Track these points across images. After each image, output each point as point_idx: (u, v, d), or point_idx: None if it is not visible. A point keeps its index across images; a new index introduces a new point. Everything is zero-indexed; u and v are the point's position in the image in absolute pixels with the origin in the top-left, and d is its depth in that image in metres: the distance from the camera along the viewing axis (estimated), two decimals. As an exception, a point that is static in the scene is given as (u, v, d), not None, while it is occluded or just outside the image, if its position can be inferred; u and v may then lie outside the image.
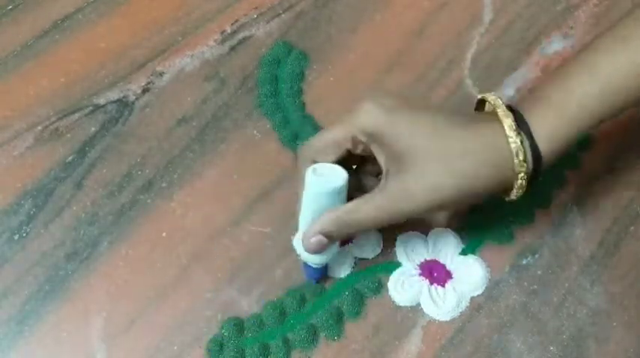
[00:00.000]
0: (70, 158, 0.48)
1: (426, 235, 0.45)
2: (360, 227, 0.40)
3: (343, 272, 0.44)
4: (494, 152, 0.38)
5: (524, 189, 0.39)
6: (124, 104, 0.51)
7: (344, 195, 0.40)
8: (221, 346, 0.41)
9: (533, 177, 0.39)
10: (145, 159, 0.48)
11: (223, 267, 0.44)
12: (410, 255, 0.44)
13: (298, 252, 0.42)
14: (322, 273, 0.44)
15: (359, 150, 0.40)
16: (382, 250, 0.45)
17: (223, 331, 0.42)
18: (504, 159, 0.38)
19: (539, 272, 0.44)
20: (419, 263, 0.44)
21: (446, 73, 0.52)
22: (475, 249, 0.45)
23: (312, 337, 0.42)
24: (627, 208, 0.46)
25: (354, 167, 0.43)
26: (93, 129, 0.50)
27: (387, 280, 0.44)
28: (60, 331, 0.42)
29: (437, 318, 0.42)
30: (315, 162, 0.40)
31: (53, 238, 0.45)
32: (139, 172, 0.48)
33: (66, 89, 0.51)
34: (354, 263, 0.44)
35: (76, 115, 0.50)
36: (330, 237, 0.40)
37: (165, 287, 0.44)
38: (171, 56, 0.53)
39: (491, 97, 0.40)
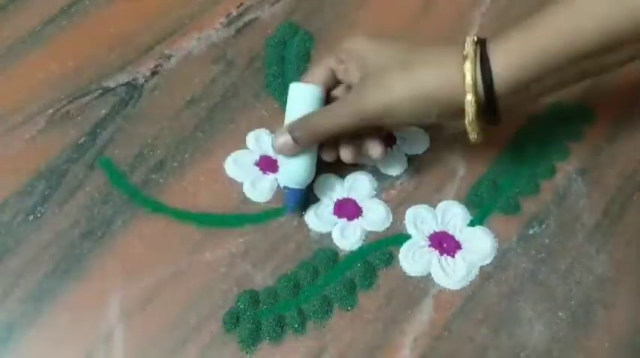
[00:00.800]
0: (81, 140, 0.49)
1: (434, 208, 0.46)
2: (322, 128, 0.43)
3: (355, 245, 0.45)
4: (451, 69, 0.39)
5: (474, 119, 0.40)
6: (133, 87, 0.51)
7: (321, 105, 0.44)
8: (237, 318, 0.42)
9: (486, 109, 0.40)
10: (156, 139, 0.49)
11: (236, 243, 0.45)
12: (419, 227, 0.45)
13: (279, 179, 0.45)
14: (299, 199, 0.45)
15: (341, 72, 0.45)
16: (392, 223, 0.46)
17: (239, 304, 0.43)
18: (458, 78, 0.39)
19: (546, 241, 0.45)
20: (428, 234, 0.45)
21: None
22: (483, 220, 0.46)
23: (326, 308, 0.43)
24: (630, 178, 0.47)
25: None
26: (103, 111, 0.50)
27: (398, 252, 0.45)
28: (77, 309, 0.43)
29: (447, 287, 0.43)
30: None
31: (68, 218, 0.46)
32: (151, 153, 0.49)
33: (76, 73, 0.52)
34: (365, 236, 0.45)
35: (87, 98, 0.51)
36: (297, 140, 0.43)
37: (179, 264, 0.44)
38: (178, 39, 0.54)
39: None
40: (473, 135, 0.41)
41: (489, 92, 0.39)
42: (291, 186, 0.44)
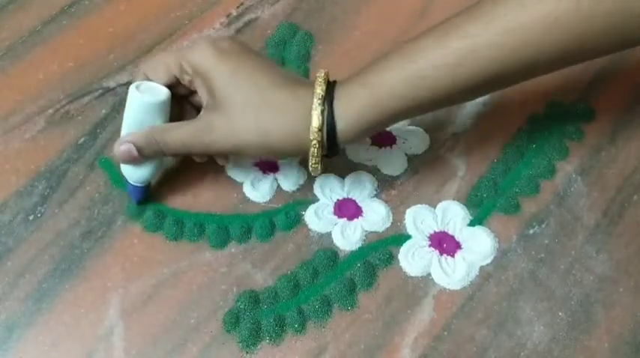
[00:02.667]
0: (81, 140, 0.49)
1: (434, 208, 0.46)
2: (167, 147, 0.42)
3: (355, 245, 0.45)
4: (299, 115, 0.40)
5: (318, 159, 0.41)
6: (133, 87, 0.51)
7: (164, 114, 0.43)
8: (237, 318, 0.42)
9: (331, 149, 0.41)
10: (156, 139, 0.49)
11: (236, 243, 0.45)
12: (419, 227, 0.45)
13: (123, 173, 0.45)
14: (142, 194, 0.46)
15: (186, 81, 0.43)
16: (392, 223, 0.46)
17: (239, 304, 0.43)
18: (305, 126, 0.40)
19: (546, 241, 0.45)
20: (428, 234, 0.45)
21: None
22: (483, 220, 0.46)
23: (326, 308, 0.43)
24: (630, 178, 0.47)
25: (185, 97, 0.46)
26: (103, 111, 0.50)
27: (398, 252, 0.45)
28: (77, 308, 0.43)
29: (447, 287, 0.43)
30: (147, 79, 0.43)
31: (68, 218, 0.46)
32: (151, 153, 0.49)
33: (75, 73, 0.52)
34: (365, 236, 0.45)
35: (86, 98, 0.51)
36: (140, 151, 0.42)
37: (179, 263, 0.44)
38: (178, 39, 0.54)
39: (320, 70, 0.42)
40: (315, 171, 0.43)
41: (333, 140, 0.41)
42: (134, 183, 0.45)
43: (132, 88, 0.42)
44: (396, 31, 0.54)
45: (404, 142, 0.49)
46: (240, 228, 0.45)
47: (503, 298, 0.43)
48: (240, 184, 0.47)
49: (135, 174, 0.44)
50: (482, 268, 0.44)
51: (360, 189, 0.47)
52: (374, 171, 0.48)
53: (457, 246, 0.45)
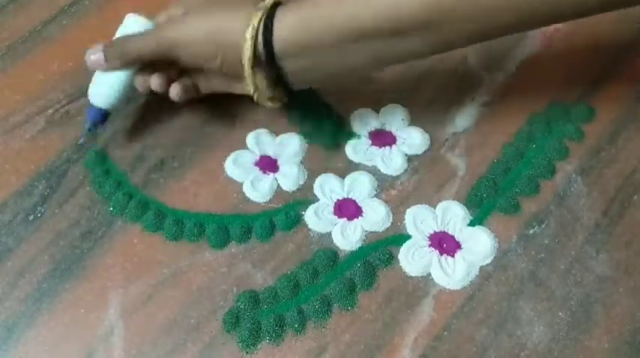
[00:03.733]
0: (81, 140, 0.49)
1: (434, 208, 0.46)
2: (127, 49, 0.45)
3: (355, 245, 0.45)
4: (239, 19, 0.42)
5: (252, 73, 0.43)
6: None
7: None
8: (237, 318, 0.42)
9: (268, 68, 0.43)
10: (156, 139, 0.49)
11: (236, 243, 0.45)
12: (419, 227, 0.45)
13: (89, 96, 0.47)
14: (98, 118, 0.47)
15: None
16: (392, 223, 0.46)
17: (239, 304, 0.43)
18: (242, 28, 0.42)
19: (545, 241, 0.45)
20: (428, 234, 0.45)
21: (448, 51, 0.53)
22: (483, 220, 0.46)
23: (325, 308, 0.43)
24: (630, 178, 0.47)
25: None
26: (103, 111, 0.50)
27: (398, 252, 0.45)
28: (77, 308, 0.43)
29: (447, 287, 0.43)
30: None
31: (68, 218, 0.46)
32: (151, 152, 0.49)
33: (75, 73, 0.52)
34: (365, 236, 0.45)
35: (87, 98, 0.51)
36: (106, 57, 0.45)
37: (179, 263, 0.44)
38: (178, 39, 0.53)
39: None
40: (255, 95, 0.44)
41: (269, 48, 0.42)
42: (97, 104, 0.46)
43: (129, 15, 0.47)
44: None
45: (404, 142, 0.49)
46: (240, 228, 0.45)
47: (503, 298, 0.43)
48: (240, 184, 0.47)
49: (98, 95, 0.46)
50: (482, 268, 0.44)
51: (360, 189, 0.47)
52: (374, 171, 0.48)
53: (457, 246, 0.45)
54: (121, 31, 0.47)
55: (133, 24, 0.47)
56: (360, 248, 0.45)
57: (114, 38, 0.46)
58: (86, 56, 0.45)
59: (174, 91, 0.46)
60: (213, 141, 0.49)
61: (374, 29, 0.40)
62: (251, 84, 0.44)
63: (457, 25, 0.40)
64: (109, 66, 0.45)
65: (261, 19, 0.41)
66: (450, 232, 0.45)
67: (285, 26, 0.42)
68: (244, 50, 0.42)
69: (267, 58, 0.42)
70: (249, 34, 0.41)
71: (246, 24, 0.42)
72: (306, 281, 0.44)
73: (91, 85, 0.46)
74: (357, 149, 0.49)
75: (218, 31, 0.43)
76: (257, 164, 0.48)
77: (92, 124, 0.47)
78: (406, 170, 0.48)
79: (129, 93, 0.47)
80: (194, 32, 0.43)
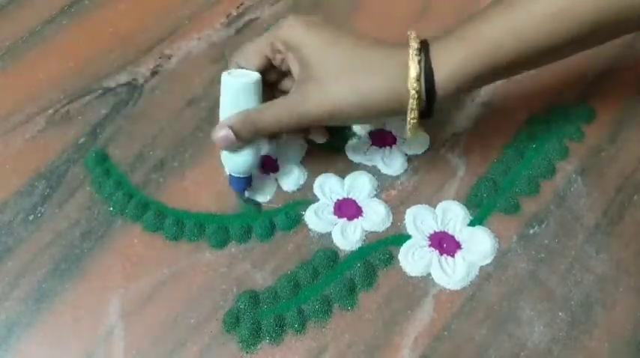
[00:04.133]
0: (81, 140, 0.49)
1: (434, 208, 0.46)
2: (263, 125, 0.42)
3: (355, 245, 0.45)
4: (395, 72, 0.40)
5: (416, 114, 0.40)
6: (133, 87, 0.51)
7: (257, 96, 0.43)
8: (237, 318, 0.42)
9: (429, 105, 0.40)
10: (156, 139, 0.49)
11: (236, 243, 0.45)
12: (419, 227, 0.45)
13: (224, 165, 0.45)
14: (245, 184, 0.46)
15: (277, 61, 0.44)
16: (392, 223, 0.46)
17: (239, 304, 0.43)
18: (402, 79, 0.39)
19: (545, 241, 0.45)
20: (428, 234, 0.45)
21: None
22: (483, 220, 0.46)
23: (326, 308, 0.43)
24: (630, 178, 0.47)
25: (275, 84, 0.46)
26: (103, 111, 0.50)
27: (398, 252, 0.45)
28: (77, 308, 0.43)
29: (447, 287, 0.43)
30: (240, 67, 0.44)
31: (68, 218, 0.46)
32: (151, 152, 0.49)
33: (76, 73, 0.52)
34: (365, 236, 0.45)
35: (87, 98, 0.51)
36: (238, 135, 0.42)
37: (179, 263, 0.44)
38: (178, 39, 0.54)
39: (411, 30, 0.41)
40: (413, 131, 0.42)
41: (431, 99, 0.40)
42: (236, 174, 0.45)
43: (224, 75, 0.43)
44: (396, 31, 0.54)
45: (404, 142, 0.49)
46: (240, 228, 0.45)
47: (503, 298, 0.43)
48: (240, 184, 0.47)
49: (235, 165, 0.44)
50: (482, 268, 0.44)
51: (360, 189, 0.47)
52: (374, 171, 0.48)
53: (457, 246, 0.45)
54: (229, 94, 0.43)
55: (239, 86, 0.43)
56: (360, 248, 0.45)
57: (240, 113, 0.43)
58: (214, 135, 0.43)
59: (319, 139, 0.47)
60: (213, 141, 0.49)
61: (532, 55, 0.40)
62: (413, 127, 0.41)
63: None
64: (242, 143, 0.43)
65: (420, 71, 0.39)
66: (450, 232, 0.45)
67: (446, 81, 0.39)
68: (409, 106, 0.40)
69: (427, 102, 0.40)
70: (411, 89, 0.39)
71: (400, 88, 0.39)
72: (306, 281, 0.44)
73: (223, 158, 0.45)
74: (357, 149, 0.49)
75: (372, 102, 0.40)
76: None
77: (242, 192, 0.46)
78: (406, 170, 0.48)
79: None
80: (344, 107, 0.40)
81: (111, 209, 0.46)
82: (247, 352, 0.41)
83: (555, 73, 0.52)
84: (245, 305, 0.43)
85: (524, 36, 0.39)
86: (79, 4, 0.55)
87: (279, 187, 0.47)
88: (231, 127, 0.42)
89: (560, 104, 0.51)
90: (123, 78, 0.52)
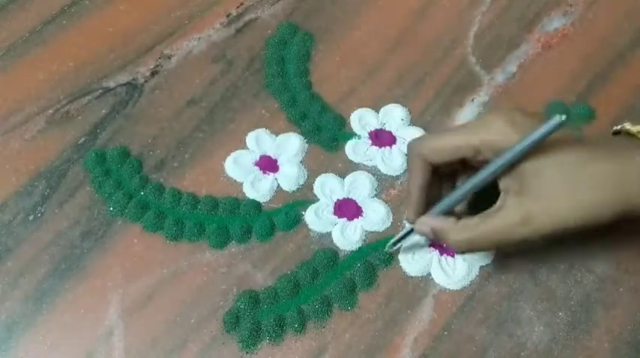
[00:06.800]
0: (81, 140, 0.49)
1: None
2: (471, 244, 0.38)
3: (355, 245, 0.45)
4: (625, 182, 0.36)
5: None
6: (133, 87, 0.51)
7: None
8: (237, 318, 0.42)
9: None
10: (156, 139, 0.49)
11: (236, 243, 0.45)
12: (419, 227, 0.45)
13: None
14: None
15: (475, 162, 0.39)
16: (392, 223, 0.46)
17: (239, 304, 0.43)
18: (634, 183, 0.36)
19: (546, 241, 0.45)
20: (428, 234, 0.45)
21: (449, 51, 0.53)
22: (483, 220, 0.46)
23: (326, 308, 0.43)
24: (630, 178, 0.47)
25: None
26: (103, 111, 0.50)
27: (398, 252, 0.45)
28: (77, 308, 0.43)
29: (447, 287, 0.43)
30: (425, 159, 0.39)
31: (68, 218, 0.46)
32: (150, 153, 0.49)
33: (75, 73, 0.52)
34: (365, 236, 0.45)
35: (87, 98, 0.51)
36: (442, 240, 0.40)
37: (179, 263, 0.44)
38: (178, 39, 0.54)
39: (628, 127, 0.39)
40: None
41: None
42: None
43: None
44: (396, 31, 0.54)
45: (404, 142, 0.49)
46: (240, 228, 0.45)
47: (504, 298, 0.43)
48: (240, 184, 0.47)
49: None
50: (482, 268, 0.44)
51: (360, 189, 0.47)
52: (374, 171, 0.48)
53: (457, 246, 0.45)
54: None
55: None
56: (360, 248, 0.45)
57: (448, 222, 0.39)
58: (418, 223, 0.40)
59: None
60: (213, 141, 0.49)
61: None
62: None
63: None
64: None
65: None
66: (450, 232, 0.45)
67: None
68: None
69: None
70: None
71: (634, 199, 0.36)
72: (306, 281, 0.44)
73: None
74: (357, 149, 0.49)
75: (600, 216, 0.36)
76: (257, 164, 0.48)
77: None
78: (406, 170, 0.48)
79: None
80: (568, 225, 0.36)
81: (111, 209, 0.46)
82: (247, 352, 0.41)
83: (555, 73, 0.52)
84: (245, 305, 0.43)
85: None
86: (79, 4, 0.55)
87: (279, 187, 0.47)
88: (435, 230, 0.39)
89: (560, 104, 0.51)
90: (123, 78, 0.52)
